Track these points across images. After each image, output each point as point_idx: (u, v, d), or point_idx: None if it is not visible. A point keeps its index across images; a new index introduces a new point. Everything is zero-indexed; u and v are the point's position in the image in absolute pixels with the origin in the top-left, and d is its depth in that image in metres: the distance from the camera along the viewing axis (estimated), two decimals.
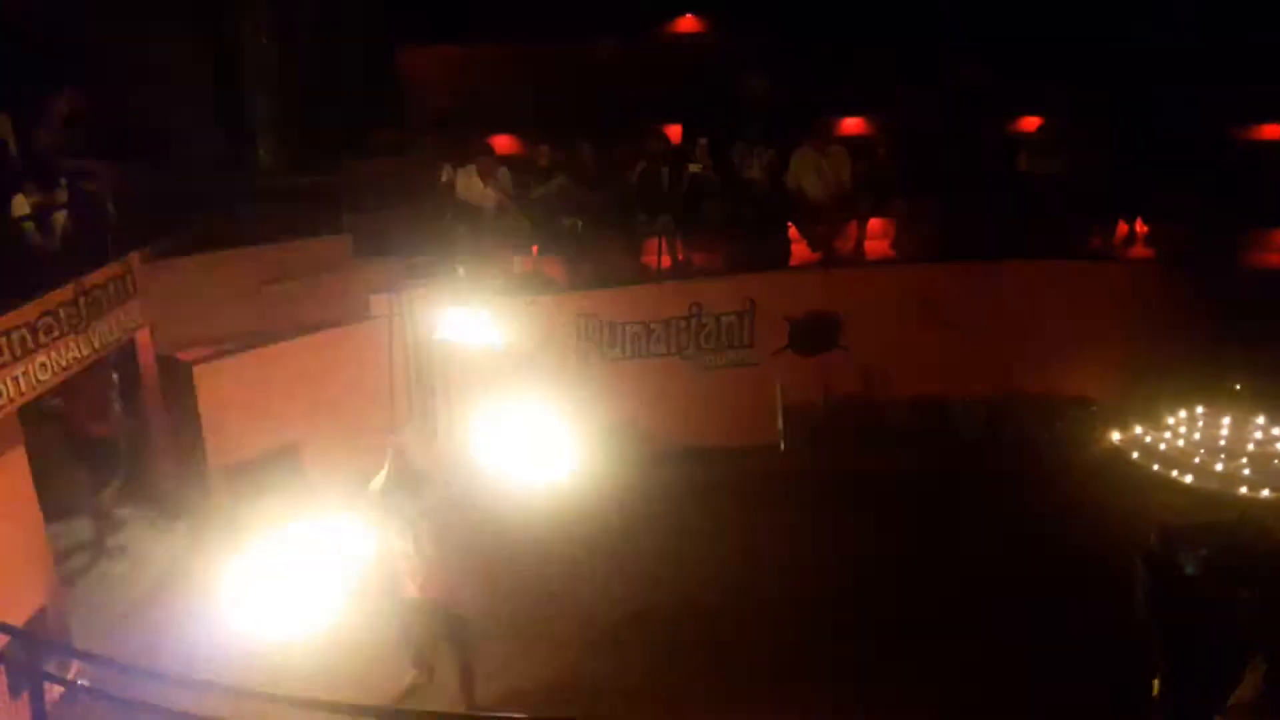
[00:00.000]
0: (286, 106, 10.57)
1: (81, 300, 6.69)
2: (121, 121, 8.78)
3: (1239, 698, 2.17)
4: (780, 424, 9.61)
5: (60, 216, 7.42)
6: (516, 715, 6.17)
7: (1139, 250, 10.12)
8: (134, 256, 7.40)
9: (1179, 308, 9.25)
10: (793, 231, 10.16)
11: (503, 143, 10.63)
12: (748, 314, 9.53)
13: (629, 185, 9.98)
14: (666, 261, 9.73)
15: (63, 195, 7.45)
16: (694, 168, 10.10)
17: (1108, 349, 9.48)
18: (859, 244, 10.25)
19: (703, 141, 10.29)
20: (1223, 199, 9.66)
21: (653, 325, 9.36)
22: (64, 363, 6.48)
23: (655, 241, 9.72)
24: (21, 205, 7.11)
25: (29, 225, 7.16)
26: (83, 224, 7.54)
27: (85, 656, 5.52)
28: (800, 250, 10.11)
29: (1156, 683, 2.37)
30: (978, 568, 7.78)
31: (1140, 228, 10.17)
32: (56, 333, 6.41)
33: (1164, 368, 9.09)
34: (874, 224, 10.37)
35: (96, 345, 6.86)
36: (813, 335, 9.67)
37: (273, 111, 10.55)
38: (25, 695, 4.97)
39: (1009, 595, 7.40)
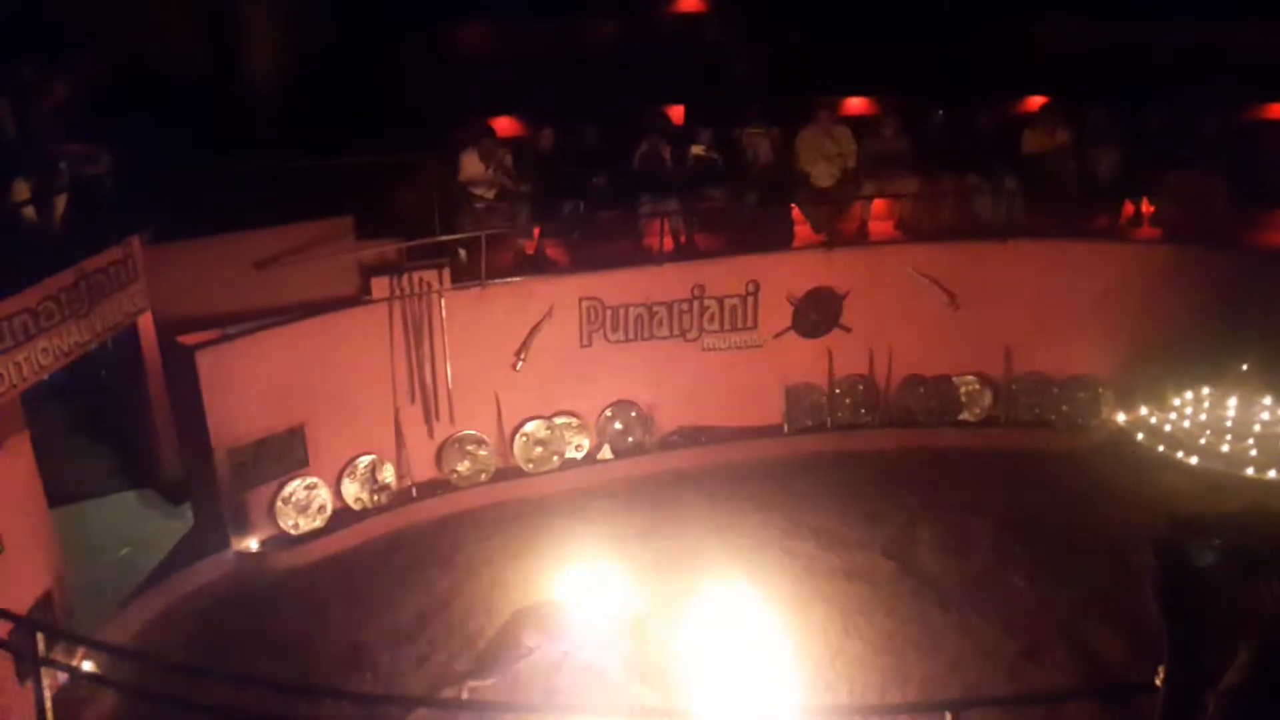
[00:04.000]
0: (288, 87, 10.48)
1: (83, 284, 6.67)
2: (119, 102, 8.70)
3: (1228, 681, 2.21)
4: (784, 405, 9.60)
5: (60, 200, 7.39)
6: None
7: (1145, 230, 10.04)
8: (135, 240, 7.36)
9: (1185, 288, 9.18)
10: (796, 213, 10.10)
11: (504, 125, 10.54)
12: (751, 296, 9.50)
13: (631, 167, 9.91)
14: (669, 244, 9.66)
15: (62, 179, 7.42)
16: (697, 149, 10.02)
17: (1113, 329, 9.43)
18: (863, 224, 10.18)
19: (705, 123, 10.19)
20: (1229, 179, 9.60)
21: (655, 308, 9.32)
22: (65, 347, 6.47)
23: (657, 223, 9.66)
24: (21, 190, 7.08)
25: (29, 210, 7.13)
26: (83, 208, 7.51)
27: (89, 643, 5.54)
28: (803, 231, 10.05)
29: (1161, 670, 2.37)
30: (981, 548, 7.79)
31: (1146, 208, 10.10)
32: (58, 317, 6.39)
33: (1170, 348, 9.05)
34: (878, 204, 10.30)
35: (98, 329, 6.85)
36: (816, 316, 9.62)
37: (274, 92, 10.47)
38: (29, 682, 4.99)
39: (1013, 576, 7.42)
